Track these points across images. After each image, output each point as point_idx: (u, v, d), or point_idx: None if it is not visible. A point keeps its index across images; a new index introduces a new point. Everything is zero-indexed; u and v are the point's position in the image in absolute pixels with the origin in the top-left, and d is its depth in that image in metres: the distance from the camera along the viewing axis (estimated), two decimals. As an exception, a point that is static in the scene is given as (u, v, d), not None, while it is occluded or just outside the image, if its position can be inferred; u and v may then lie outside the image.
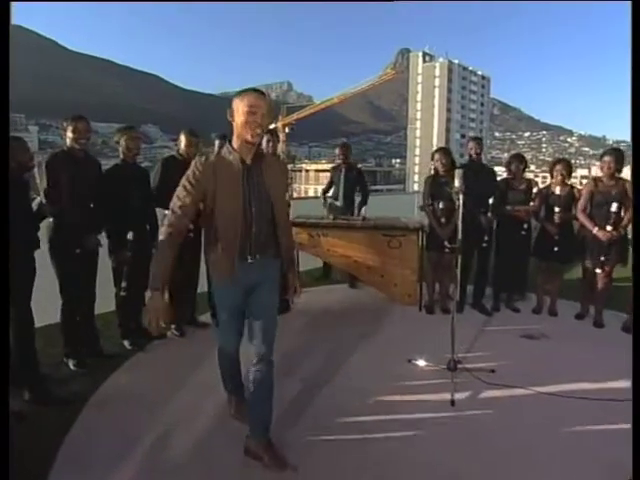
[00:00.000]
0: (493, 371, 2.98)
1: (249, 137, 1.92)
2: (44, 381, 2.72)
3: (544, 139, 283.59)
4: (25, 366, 2.60)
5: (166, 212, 3.43)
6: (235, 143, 1.98)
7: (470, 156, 4.33)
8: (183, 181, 1.96)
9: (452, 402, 2.58)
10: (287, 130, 50.99)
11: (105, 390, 2.75)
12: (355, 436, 2.28)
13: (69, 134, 2.86)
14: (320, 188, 6.06)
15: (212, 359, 2.36)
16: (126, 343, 3.34)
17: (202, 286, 3.88)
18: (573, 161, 4.62)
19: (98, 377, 2.88)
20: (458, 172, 2.97)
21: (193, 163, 1.97)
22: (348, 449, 2.17)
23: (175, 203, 1.94)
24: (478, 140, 4.42)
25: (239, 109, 1.90)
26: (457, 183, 2.94)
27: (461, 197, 2.93)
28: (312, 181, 52.82)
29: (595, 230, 3.73)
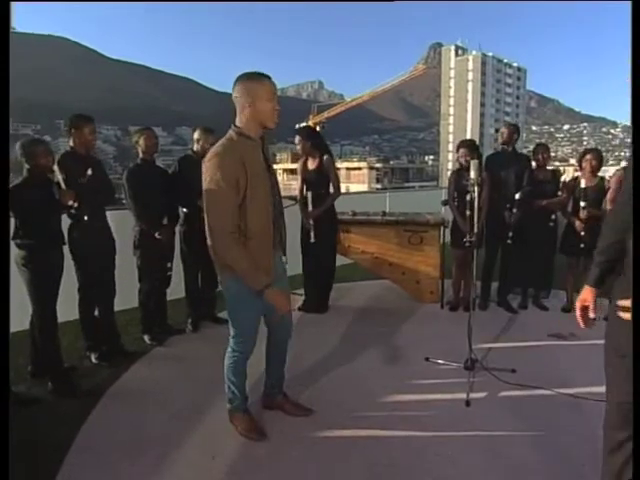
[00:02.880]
0: (514, 371, 2.85)
1: (272, 124, 1.91)
2: (67, 374, 2.81)
3: (585, 131, 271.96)
4: (48, 359, 2.70)
5: (184, 210, 3.54)
6: (249, 129, 1.90)
7: (503, 144, 4.15)
8: (214, 182, 1.80)
9: (467, 402, 2.49)
10: (318, 128, 51.02)
11: (124, 382, 2.82)
12: (367, 432, 2.23)
13: (74, 135, 2.86)
14: (351, 186, 5.96)
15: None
16: (146, 338, 3.42)
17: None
18: (617, 153, 4.39)
19: (118, 370, 2.96)
20: (474, 164, 2.86)
21: (214, 159, 1.83)
22: (360, 447, 2.13)
23: (218, 208, 1.81)
24: (510, 126, 4.18)
25: (261, 95, 1.86)
26: (472, 175, 2.83)
27: (476, 189, 2.82)
28: (343, 179, 52.66)
29: None
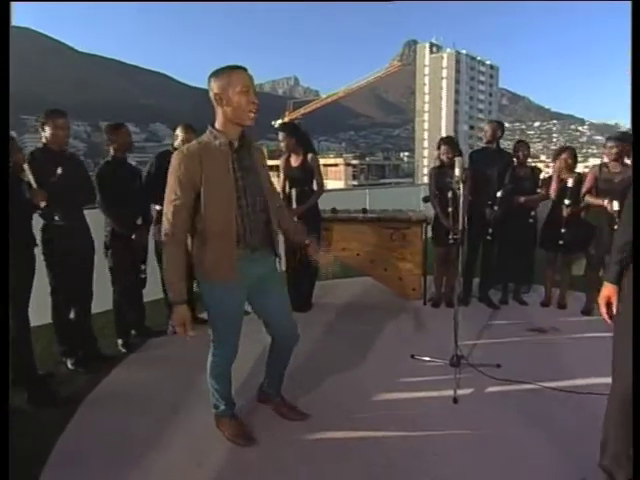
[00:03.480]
0: (499, 366, 2.88)
1: (248, 120, 1.81)
2: (43, 381, 2.69)
3: (555, 128, 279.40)
4: (22, 366, 2.58)
5: (157, 207, 3.43)
6: (221, 125, 1.84)
7: (488, 142, 4.18)
8: (170, 181, 1.81)
9: (455, 399, 2.49)
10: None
11: (103, 388, 2.72)
12: (359, 433, 2.20)
13: (47, 131, 2.72)
14: (328, 183, 5.94)
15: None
16: (119, 342, 3.28)
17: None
18: (585, 150, 4.50)
19: (96, 375, 2.84)
20: (458, 161, 2.87)
21: (174, 157, 1.82)
22: (353, 448, 2.10)
23: (168, 206, 1.80)
24: (494, 123, 4.23)
25: (232, 89, 1.75)
26: (457, 172, 2.84)
27: (461, 186, 2.83)
28: (320, 175, 52.36)
29: (605, 202, 3.43)
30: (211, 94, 1.81)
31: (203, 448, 2.12)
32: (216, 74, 1.79)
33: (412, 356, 3.08)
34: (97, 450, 2.12)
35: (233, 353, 2.07)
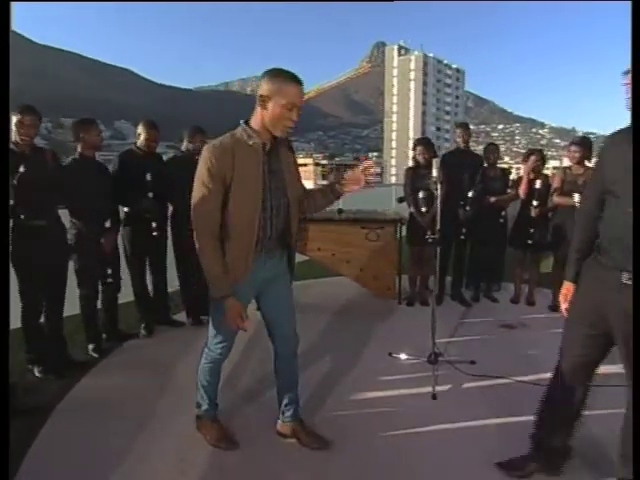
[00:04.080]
0: (473, 362, 2.96)
1: (279, 133, 1.76)
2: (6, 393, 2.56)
3: (517, 131, 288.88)
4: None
5: (125, 209, 3.34)
6: (257, 126, 1.78)
7: (457, 144, 4.29)
8: (200, 173, 1.74)
9: (434, 395, 2.54)
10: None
11: (75, 396, 2.62)
12: (342, 432, 2.20)
13: (13, 127, 2.58)
14: None
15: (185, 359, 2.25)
16: (90, 347, 3.16)
17: (173, 286, 3.77)
18: (545, 152, 4.66)
19: (67, 383, 2.73)
20: (436, 162, 2.93)
21: (206, 150, 1.75)
22: (337, 448, 2.10)
23: (198, 198, 1.74)
24: (465, 126, 4.37)
25: (276, 99, 1.69)
26: (435, 173, 2.90)
27: (439, 187, 2.88)
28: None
29: (576, 198, 3.52)
30: (258, 92, 1.74)
31: (185, 455, 2.06)
32: (271, 76, 1.72)
33: (390, 354, 3.12)
34: (71, 464, 2.01)
35: (227, 352, 2.06)
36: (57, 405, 2.50)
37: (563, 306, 1.82)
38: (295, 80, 1.71)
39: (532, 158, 4.13)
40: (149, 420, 2.33)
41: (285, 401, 2.16)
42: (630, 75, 1.43)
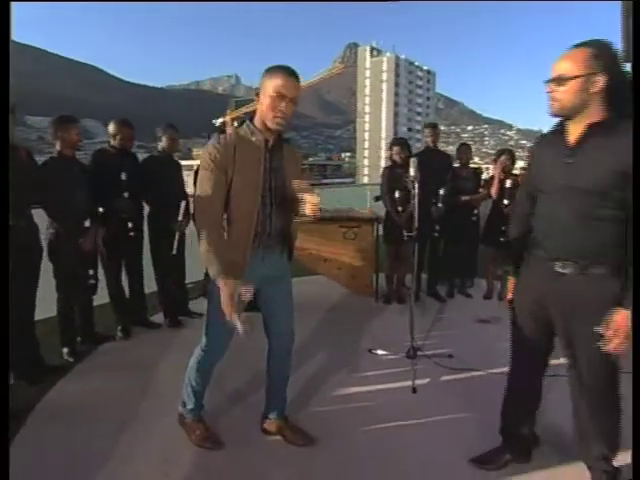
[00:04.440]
0: (451, 356, 3.04)
1: (271, 124, 1.77)
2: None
3: (486, 132, 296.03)
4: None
5: (100, 209, 3.27)
6: (258, 123, 1.82)
7: (427, 143, 4.39)
8: (204, 168, 1.76)
9: (413, 389, 2.60)
10: (236, 124, 50.01)
11: (50, 400, 2.55)
12: (326, 428, 2.22)
13: None
14: None
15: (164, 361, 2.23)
16: (65, 351, 3.08)
17: (150, 287, 3.72)
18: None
19: (41, 388, 2.66)
20: (413, 161, 3.00)
21: (210, 146, 1.77)
22: (322, 445, 2.12)
23: (203, 189, 1.76)
24: (433, 126, 4.48)
25: (266, 89, 1.74)
26: (412, 172, 2.97)
27: (416, 186, 2.95)
28: (264, 175, 51.62)
29: None
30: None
31: (168, 455, 2.05)
32: (265, 72, 1.78)
33: (369, 350, 3.17)
34: (50, 467, 1.97)
35: (222, 352, 2.04)
36: (32, 410, 2.43)
37: (509, 297, 1.90)
38: (283, 71, 1.74)
39: (502, 158, 4.27)
40: (130, 422, 2.30)
41: (273, 399, 2.17)
42: (551, 84, 1.53)
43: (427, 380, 2.74)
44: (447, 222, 4.33)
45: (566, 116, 1.56)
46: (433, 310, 4.14)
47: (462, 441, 2.13)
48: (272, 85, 1.73)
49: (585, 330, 1.56)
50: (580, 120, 1.53)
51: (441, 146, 4.59)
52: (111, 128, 3.38)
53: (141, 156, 3.77)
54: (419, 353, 2.98)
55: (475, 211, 4.47)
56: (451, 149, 5.19)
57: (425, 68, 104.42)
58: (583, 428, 1.76)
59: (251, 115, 1.86)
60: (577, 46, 1.50)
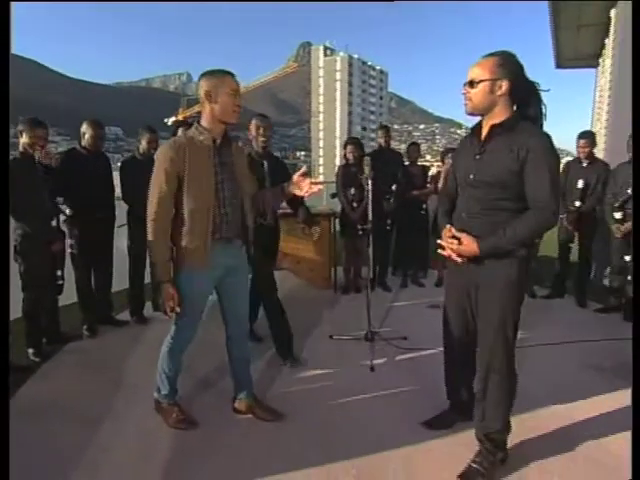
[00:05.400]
0: (405, 338, 3.32)
1: (231, 119, 1.98)
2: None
3: (437, 131, 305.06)
4: None
5: (67, 211, 3.31)
6: (207, 123, 1.99)
7: (380, 144, 4.68)
8: (157, 169, 1.93)
9: (371, 368, 2.85)
10: (180, 130, 48.75)
11: (18, 401, 2.57)
12: (295, 407, 2.41)
13: None
14: None
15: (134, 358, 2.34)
16: (30, 352, 3.09)
17: (118, 284, 3.77)
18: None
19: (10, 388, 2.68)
20: (366, 160, 3.25)
21: (162, 148, 1.96)
22: (283, 420, 2.31)
23: (154, 193, 1.93)
24: (386, 128, 4.79)
25: (220, 91, 1.93)
26: (366, 170, 3.21)
27: (370, 183, 3.20)
28: (218, 175, 50.63)
29: None
30: (201, 92, 1.96)
31: (146, 440, 2.17)
32: (208, 74, 1.96)
33: (330, 337, 3.39)
34: (31, 466, 2.01)
35: (190, 338, 2.19)
36: (3, 408, 2.46)
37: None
38: (228, 73, 1.99)
39: (448, 156, 4.62)
40: (105, 414, 2.38)
41: (239, 380, 2.35)
42: (467, 86, 1.77)
43: (384, 359, 3.01)
44: (398, 216, 4.63)
45: (478, 115, 1.83)
46: (389, 298, 4.43)
47: (416, 408, 2.39)
48: (228, 83, 1.94)
49: (483, 304, 1.83)
50: (490, 120, 1.79)
51: (394, 144, 4.93)
52: (82, 128, 3.43)
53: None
54: (376, 337, 3.24)
55: (424, 205, 4.80)
56: (404, 147, 5.58)
57: (378, 68, 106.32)
58: (480, 401, 1.94)
59: (198, 117, 2.05)
60: (486, 55, 1.77)
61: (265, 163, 3.07)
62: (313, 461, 1.99)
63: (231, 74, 1.99)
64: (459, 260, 1.83)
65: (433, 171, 5.27)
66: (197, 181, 1.94)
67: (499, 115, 1.76)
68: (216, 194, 1.99)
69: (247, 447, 2.12)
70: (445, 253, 1.88)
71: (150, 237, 1.97)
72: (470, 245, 1.77)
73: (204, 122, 2.01)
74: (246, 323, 2.33)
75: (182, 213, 1.97)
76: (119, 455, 2.08)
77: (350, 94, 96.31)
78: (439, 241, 1.95)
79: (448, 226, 1.91)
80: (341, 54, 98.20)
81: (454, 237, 1.84)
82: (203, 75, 2.00)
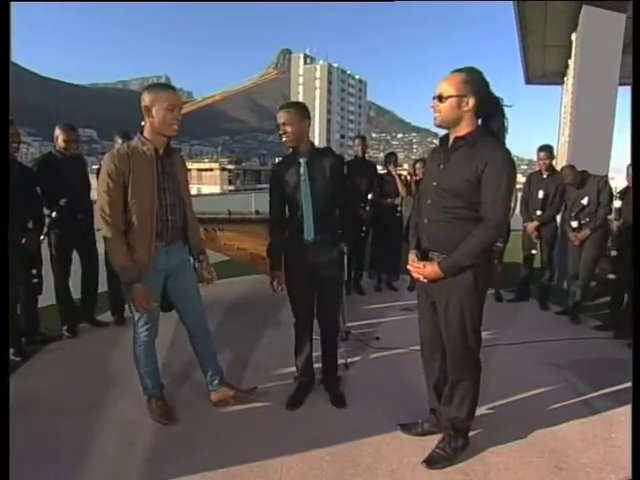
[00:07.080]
0: (378, 338, 3.50)
1: (169, 132, 2.09)
2: None
3: (415, 140, 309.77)
4: None
5: (52, 215, 3.36)
6: (149, 134, 2.11)
7: (356, 154, 4.88)
8: (103, 178, 2.03)
9: (346, 365, 3.01)
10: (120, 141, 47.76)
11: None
12: (262, 398, 2.57)
13: None
14: (203, 188, 6.06)
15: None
16: (11, 351, 3.09)
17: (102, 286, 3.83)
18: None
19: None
20: (345, 168, 3.40)
21: (107, 158, 2.06)
22: (257, 413, 2.46)
23: (103, 200, 2.02)
24: (362, 138, 5.00)
25: (158, 105, 2.03)
26: (344, 179, 3.37)
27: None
28: (195, 180, 50.52)
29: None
30: (142, 105, 2.07)
31: (132, 429, 2.29)
32: (149, 89, 2.08)
33: (308, 337, 3.53)
34: (17, 459, 2.04)
35: (153, 332, 2.30)
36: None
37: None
38: (169, 87, 2.12)
39: (418, 165, 4.90)
40: (89, 408, 2.48)
41: (210, 372, 2.48)
42: (436, 100, 1.87)
43: (358, 358, 3.17)
44: (373, 223, 4.83)
45: (445, 127, 1.95)
46: (364, 301, 4.60)
47: (387, 402, 2.57)
48: (165, 98, 2.05)
49: (444, 316, 1.94)
50: (455, 132, 1.91)
51: (373, 152, 5.17)
52: (55, 132, 3.49)
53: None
54: (351, 337, 3.40)
55: (399, 208, 5.01)
56: (381, 156, 5.87)
57: (357, 77, 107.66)
58: (445, 391, 2.06)
59: (141, 129, 2.15)
60: (454, 71, 1.87)
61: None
62: (291, 449, 2.13)
63: (172, 88, 2.11)
64: (426, 281, 1.94)
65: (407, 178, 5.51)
66: (141, 190, 2.06)
67: (464, 128, 1.87)
68: (159, 201, 2.12)
69: (228, 437, 2.25)
70: (413, 276, 2.01)
71: (108, 243, 2.07)
72: (432, 270, 1.87)
73: (146, 133, 2.12)
74: (203, 317, 2.43)
75: (128, 219, 2.08)
76: (105, 443, 2.18)
77: (329, 102, 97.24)
78: (408, 266, 2.05)
79: (412, 254, 2.03)
80: (321, 62, 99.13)
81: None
82: (145, 89, 2.12)
